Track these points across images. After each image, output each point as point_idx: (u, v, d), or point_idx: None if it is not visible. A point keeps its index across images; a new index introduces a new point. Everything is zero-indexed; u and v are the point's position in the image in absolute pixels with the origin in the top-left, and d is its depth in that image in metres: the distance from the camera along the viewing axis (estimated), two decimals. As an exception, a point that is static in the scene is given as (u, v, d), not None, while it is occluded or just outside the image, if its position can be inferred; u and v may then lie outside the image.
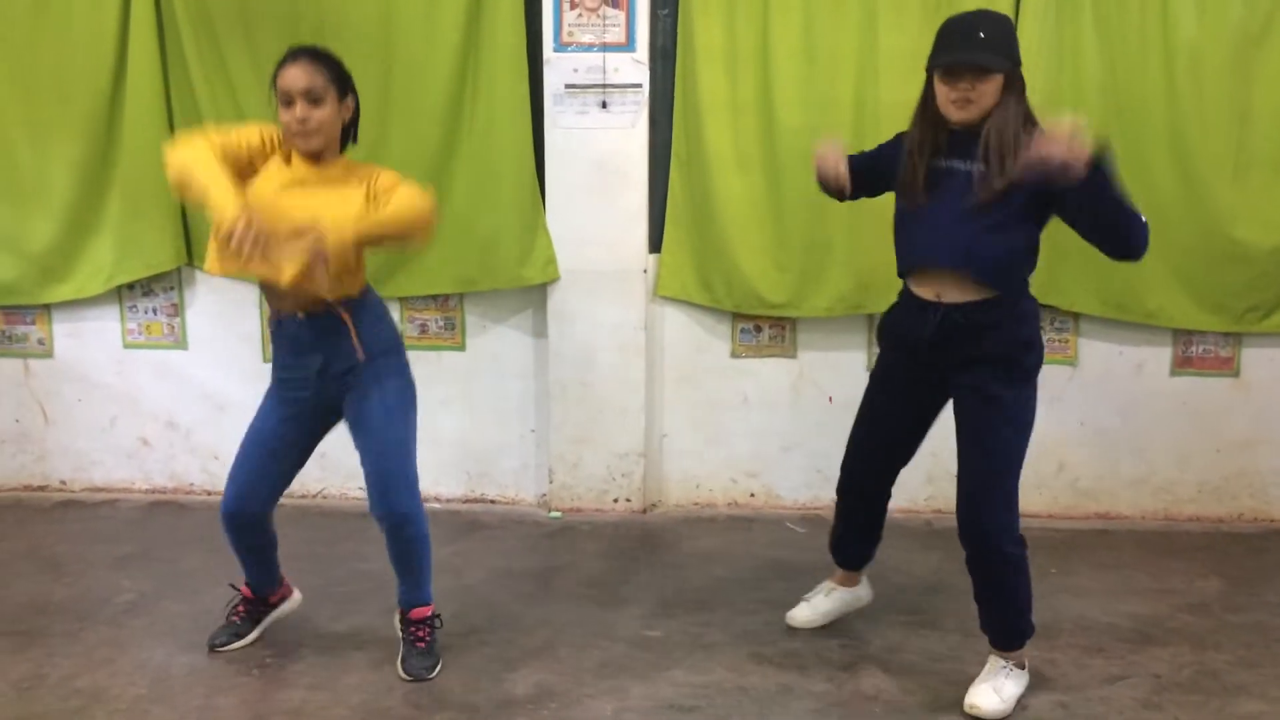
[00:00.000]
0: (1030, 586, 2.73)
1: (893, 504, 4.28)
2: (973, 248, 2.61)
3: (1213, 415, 4.19)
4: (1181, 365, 4.17)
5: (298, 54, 2.67)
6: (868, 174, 2.89)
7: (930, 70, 2.65)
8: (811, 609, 3.24)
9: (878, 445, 3.00)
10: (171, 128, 4.10)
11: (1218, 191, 3.91)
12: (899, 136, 2.84)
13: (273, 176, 2.70)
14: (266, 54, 3.96)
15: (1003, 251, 2.62)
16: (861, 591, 3.28)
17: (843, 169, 2.78)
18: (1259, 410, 4.17)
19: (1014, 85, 2.59)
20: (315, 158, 2.71)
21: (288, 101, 2.64)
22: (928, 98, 2.68)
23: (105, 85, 4.06)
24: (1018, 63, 2.61)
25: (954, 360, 2.70)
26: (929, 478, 4.24)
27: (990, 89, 2.55)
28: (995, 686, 2.73)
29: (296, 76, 2.63)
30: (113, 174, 4.15)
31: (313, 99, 2.63)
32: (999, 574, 2.70)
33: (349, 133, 2.81)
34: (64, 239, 4.20)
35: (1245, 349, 4.14)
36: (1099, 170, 2.42)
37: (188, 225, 4.22)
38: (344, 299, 2.74)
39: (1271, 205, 3.92)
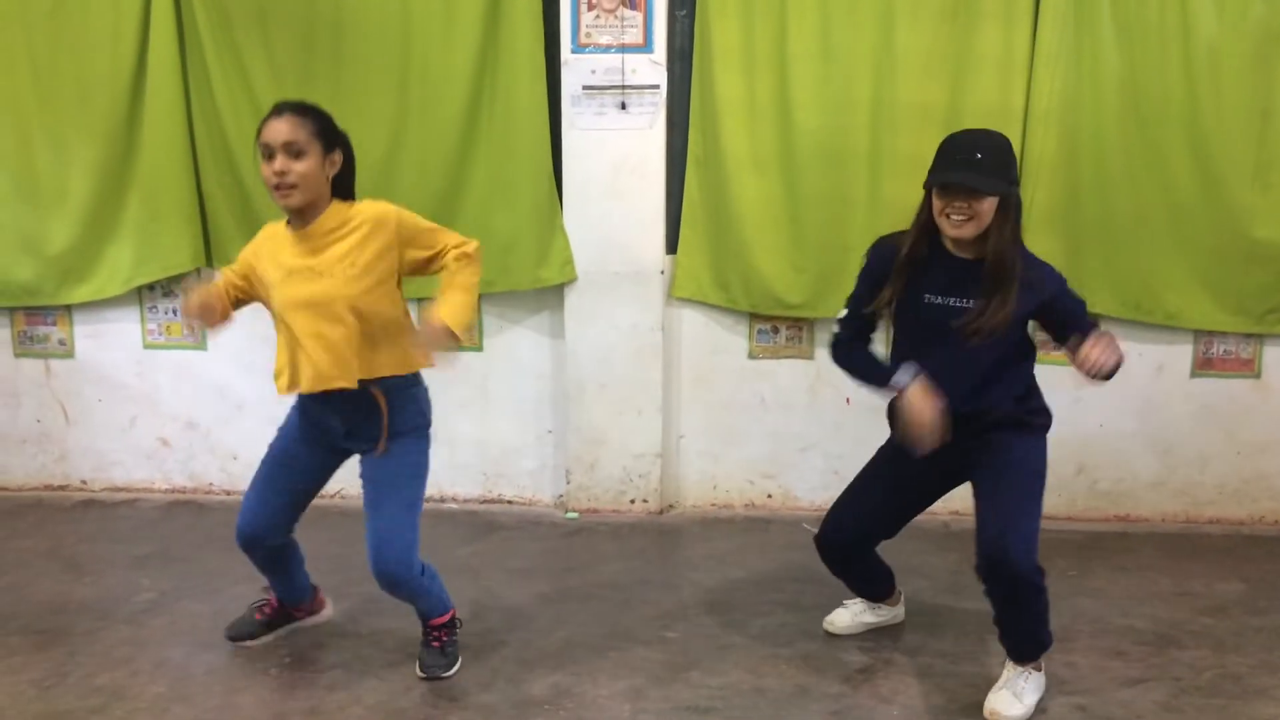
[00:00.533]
0: (1048, 603, 2.71)
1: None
2: (984, 390, 2.70)
3: (1233, 417, 4.16)
4: (1202, 367, 4.14)
5: (282, 107, 2.60)
6: (871, 318, 2.91)
7: (928, 186, 2.65)
8: (851, 616, 3.23)
9: (884, 510, 3.00)
10: (191, 131, 4.13)
11: (1238, 192, 3.88)
12: (874, 254, 2.84)
13: (274, 262, 2.69)
14: (285, 58, 4.01)
15: (1018, 384, 2.76)
16: (900, 611, 3.29)
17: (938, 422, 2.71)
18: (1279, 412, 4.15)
19: (1010, 207, 2.61)
20: (302, 217, 2.64)
21: (268, 155, 2.57)
22: (924, 210, 2.69)
23: (125, 88, 4.09)
24: (1014, 183, 2.63)
25: (967, 437, 2.74)
26: (947, 479, 4.23)
27: (986, 208, 2.57)
28: (1015, 692, 2.71)
29: (278, 129, 2.56)
30: (132, 176, 4.18)
31: (294, 152, 2.55)
32: (1024, 602, 2.68)
33: (341, 187, 2.70)
34: (83, 241, 4.24)
35: (1267, 350, 4.11)
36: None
37: (207, 227, 4.24)
38: (381, 380, 2.71)
39: None
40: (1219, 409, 4.15)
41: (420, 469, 2.81)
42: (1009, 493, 2.68)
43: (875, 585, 3.17)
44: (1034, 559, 2.61)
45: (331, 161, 2.64)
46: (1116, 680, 2.92)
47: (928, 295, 2.70)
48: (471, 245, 2.73)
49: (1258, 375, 4.13)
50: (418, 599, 2.87)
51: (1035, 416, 2.78)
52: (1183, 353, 4.12)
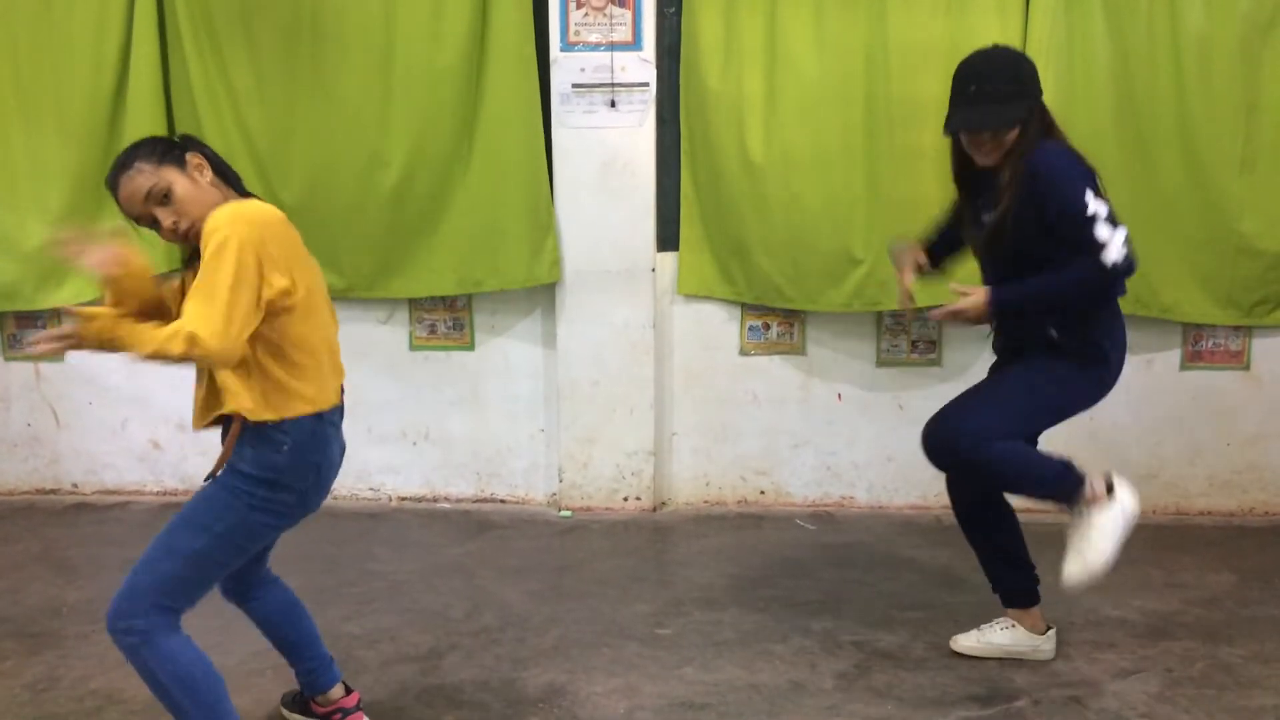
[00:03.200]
0: (1026, 456, 2.72)
1: (903, 500, 4.33)
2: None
3: (1223, 409, 4.17)
4: (1191, 359, 4.16)
5: (111, 179, 2.22)
6: (943, 239, 2.98)
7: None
8: (979, 638, 3.00)
9: None
10: (172, 133, 4.11)
11: (1226, 184, 3.90)
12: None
13: None
14: (268, 58, 3.99)
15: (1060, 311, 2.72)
16: (1043, 644, 2.96)
17: (908, 279, 2.90)
18: (1270, 404, 4.16)
19: (1030, 119, 2.61)
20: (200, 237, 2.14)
21: (150, 222, 2.22)
22: (955, 140, 2.77)
23: (107, 91, 4.07)
24: (1021, 95, 2.61)
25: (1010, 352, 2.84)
26: (939, 474, 4.23)
27: (1003, 134, 2.60)
28: (1080, 548, 2.71)
29: (130, 196, 2.19)
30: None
31: (159, 198, 2.18)
32: (985, 473, 2.71)
33: (228, 176, 2.31)
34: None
35: (1255, 342, 4.13)
36: (999, 306, 2.67)
37: None
38: (240, 413, 2.20)
39: (1277, 198, 3.90)
40: (1209, 401, 4.17)
41: (209, 512, 2.21)
42: (982, 390, 2.77)
43: (1017, 561, 2.94)
44: (966, 430, 2.66)
45: (194, 164, 2.23)
46: (1109, 671, 2.93)
47: (983, 213, 2.73)
48: (189, 332, 2.01)
49: (1247, 367, 4.15)
50: (143, 671, 2.23)
51: (1071, 342, 2.70)
52: (1172, 346, 4.14)
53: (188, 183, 2.21)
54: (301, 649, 2.59)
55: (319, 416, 2.26)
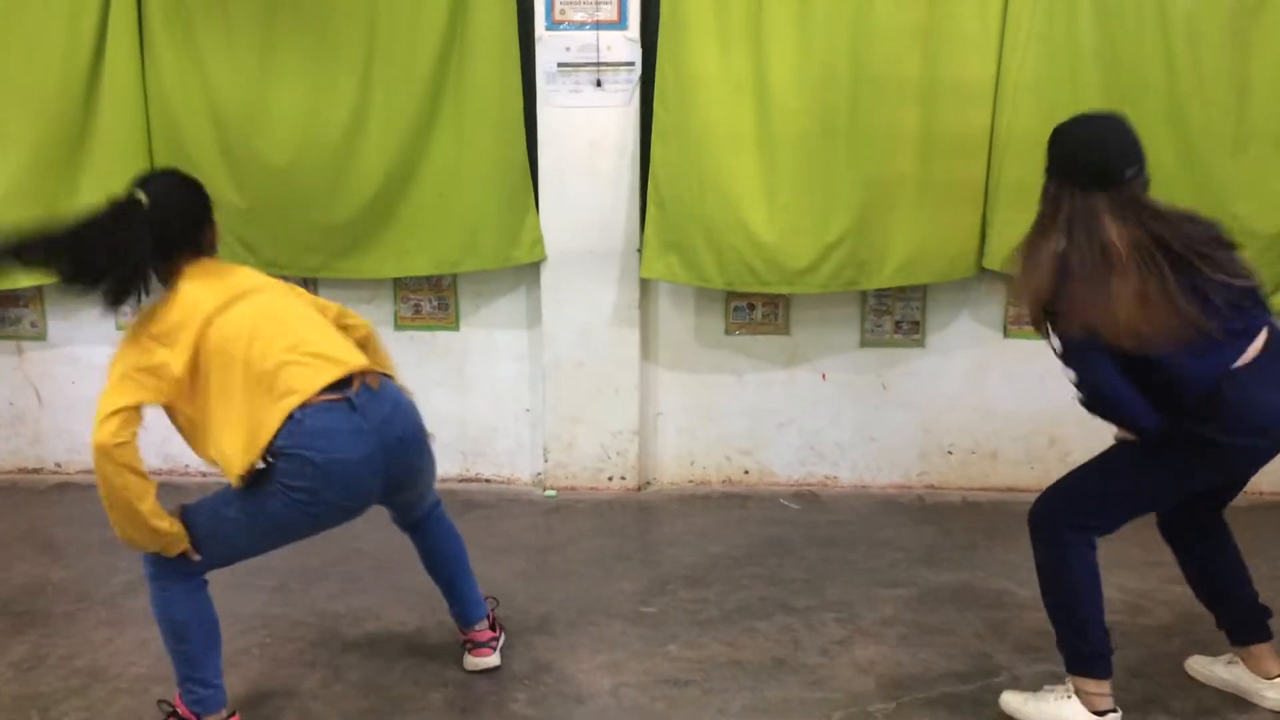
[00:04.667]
0: (1079, 599, 2.54)
1: (886, 480, 4.35)
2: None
3: (1203, 389, 4.20)
4: (1172, 340, 4.18)
5: None
6: None
7: None
8: (1205, 665, 2.83)
9: None
10: (147, 114, 4.06)
11: (1217, 167, 3.89)
12: None
13: None
14: (243, 36, 3.96)
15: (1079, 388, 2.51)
16: (1270, 691, 2.67)
17: None
18: (1249, 384, 4.19)
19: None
20: None
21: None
22: None
23: (81, 71, 4.00)
24: (1049, 173, 2.52)
25: None
26: (921, 454, 4.28)
27: None
28: (1035, 695, 2.63)
29: None
30: (86, 159, 4.10)
31: None
32: (1038, 558, 2.59)
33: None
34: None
35: (1235, 323, 4.16)
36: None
37: None
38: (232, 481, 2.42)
39: (1272, 180, 3.90)
40: (1189, 381, 4.19)
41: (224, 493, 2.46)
42: (1084, 467, 2.63)
43: (1228, 594, 2.73)
44: (1047, 506, 2.57)
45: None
46: (1088, 648, 2.96)
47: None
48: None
49: (1227, 348, 4.18)
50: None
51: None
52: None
53: None
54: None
55: (291, 418, 2.31)
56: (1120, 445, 2.59)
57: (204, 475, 4.43)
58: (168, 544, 2.38)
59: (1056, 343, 2.40)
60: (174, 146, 4.07)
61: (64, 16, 3.98)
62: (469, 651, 2.86)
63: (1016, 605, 3.24)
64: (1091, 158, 2.42)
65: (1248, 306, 2.42)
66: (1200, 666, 2.81)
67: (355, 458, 2.35)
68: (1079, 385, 2.42)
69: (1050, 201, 2.46)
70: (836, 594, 3.32)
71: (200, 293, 2.40)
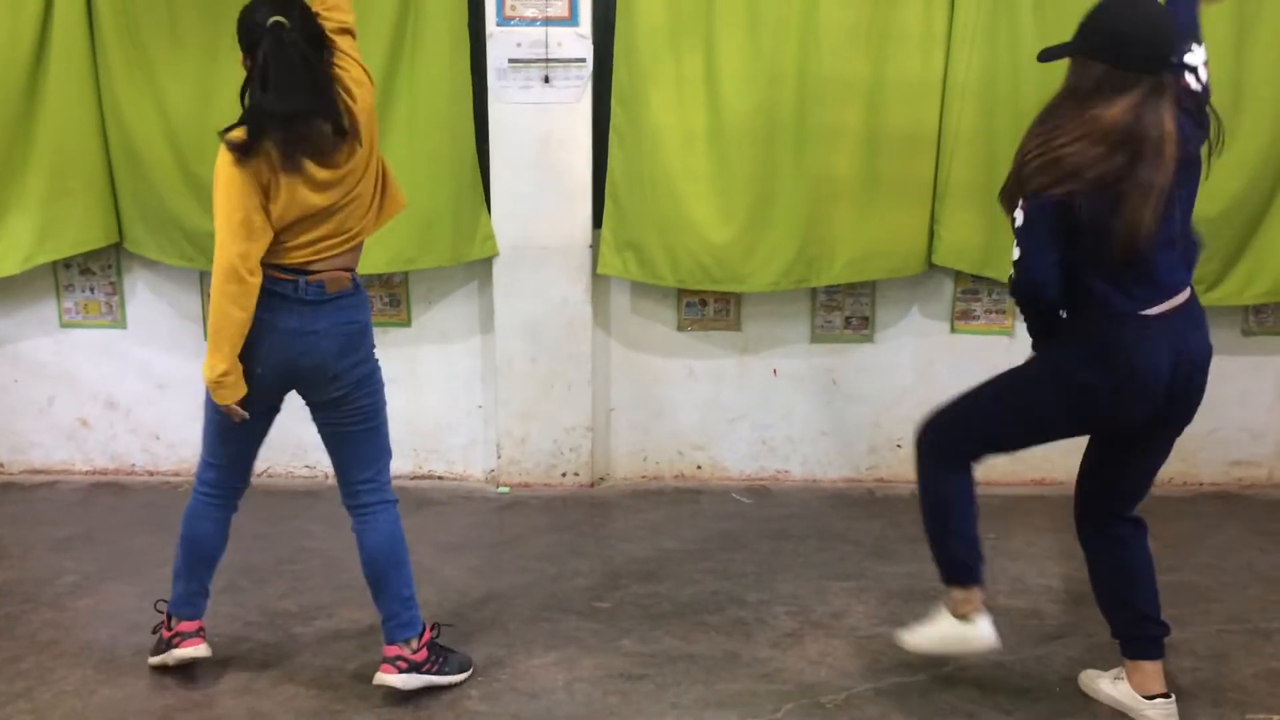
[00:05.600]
0: (951, 512, 2.62)
1: (836, 474, 4.40)
2: None
3: (1144, 383, 4.29)
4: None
5: None
6: None
7: None
8: (1092, 680, 2.79)
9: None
10: (100, 101, 4.00)
11: None
12: None
13: None
14: (189, 32, 3.89)
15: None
16: (1151, 711, 2.60)
17: None
18: (1188, 378, 4.29)
19: (1067, 77, 2.46)
20: None
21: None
22: None
23: (23, 61, 3.92)
24: (1071, 52, 2.46)
25: None
26: (871, 447, 4.33)
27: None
28: (927, 621, 2.71)
29: None
30: (29, 153, 4.01)
31: None
32: (918, 473, 2.66)
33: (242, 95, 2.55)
34: None
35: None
36: None
37: (118, 204, 4.12)
38: None
39: (1214, 180, 3.98)
40: (1131, 375, 4.28)
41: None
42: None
43: (1122, 600, 2.67)
44: (929, 427, 2.62)
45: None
46: (1033, 637, 3.03)
47: None
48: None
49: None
50: None
51: (1056, 358, 2.51)
52: (1096, 321, 4.24)
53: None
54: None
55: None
56: (1002, 375, 2.62)
57: (150, 474, 4.37)
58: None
59: (1019, 215, 2.36)
60: (125, 144, 4.01)
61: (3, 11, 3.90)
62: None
63: (964, 596, 3.29)
64: (1146, 35, 2.32)
65: (1181, 264, 2.46)
66: (1088, 681, 2.78)
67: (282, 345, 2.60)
68: (1015, 264, 2.40)
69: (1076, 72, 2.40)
70: (788, 587, 3.36)
71: None
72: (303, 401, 2.69)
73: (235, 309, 2.44)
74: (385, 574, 2.71)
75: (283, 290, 2.53)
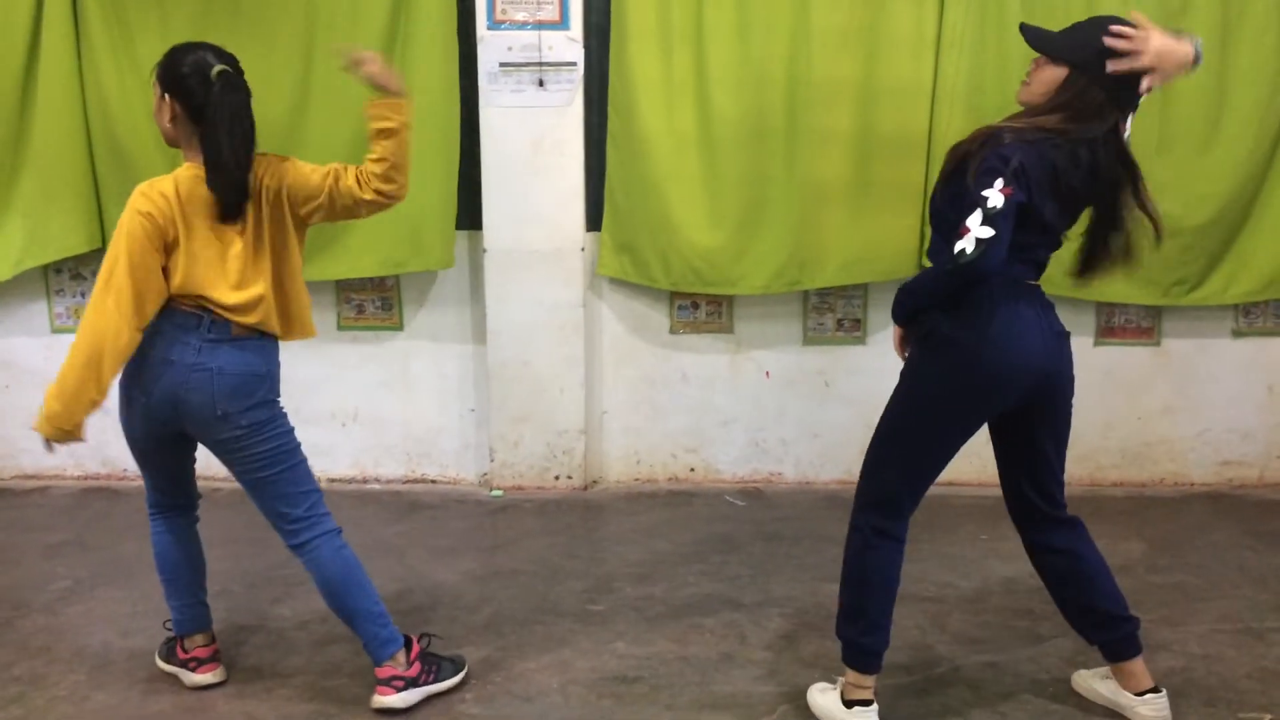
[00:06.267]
0: (866, 584, 2.51)
1: (829, 476, 4.40)
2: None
3: (1134, 384, 4.32)
4: (1104, 335, 4.30)
5: None
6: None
7: None
8: (1086, 680, 2.77)
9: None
10: (85, 108, 3.99)
11: (1143, 166, 3.98)
12: None
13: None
14: (179, 29, 3.89)
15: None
16: (1143, 708, 2.59)
17: None
18: (1179, 378, 4.32)
19: (1065, 89, 2.38)
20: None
21: None
22: None
23: (16, 66, 3.93)
24: (1078, 65, 2.35)
25: None
26: (863, 449, 4.27)
27: (1042, 77, 2.40)
28: (821, 688, 2.68)
29: None
30: (22, 157, 4.02)
31: None
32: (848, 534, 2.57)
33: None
34: None
35: (1166, 320, 4.28)
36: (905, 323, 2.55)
37: (101, 208, 4.11)
38: None
39: (1194, 180, 4.02)
40: (1121, 376, 4.31)
41: None
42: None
43: (1078, 603, 2.64)
44: (861, 489, 2.55)
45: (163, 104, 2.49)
46: (1025, 638, 3.04)
47: None
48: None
49: (1157, 343, 4.30)
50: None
51: (929, 331, 2.46)
52: (1086, 322, 4.26)
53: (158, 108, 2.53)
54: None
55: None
56: (886, 411, 2.57)
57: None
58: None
59: (1000, 198, 2.28)
60: (113, 148, 4.01)
61: None
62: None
63: (957, 598, 3.30)
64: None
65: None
66: (1082, 681, 2.76)
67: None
68: (983, 244, 2.27)
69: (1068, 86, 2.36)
70: (782, 589, 3.36)
71: None
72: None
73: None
74: (347, 600, 2.64)
75: (185, 323, 2.48)
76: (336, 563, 2.63)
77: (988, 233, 2.27)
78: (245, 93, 2.52)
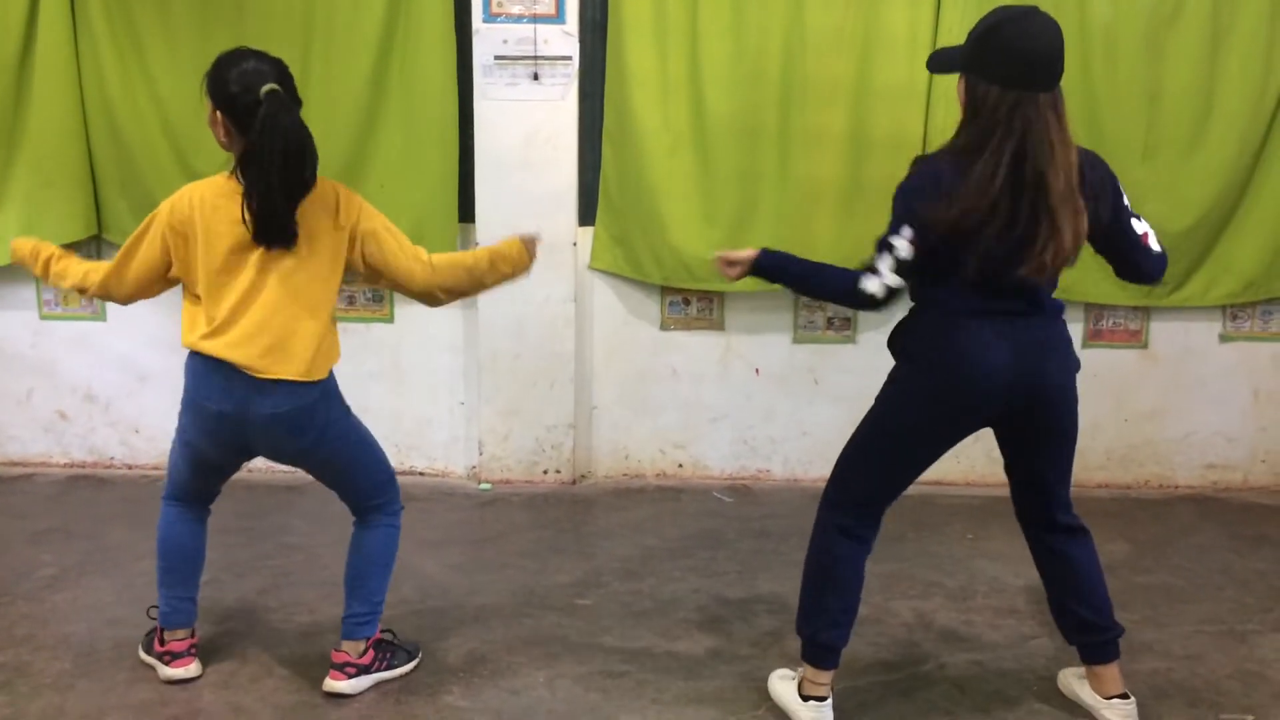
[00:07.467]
0: (827, 582, 2.57)
1: (818, 473, 4.40)
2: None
3: (1122, 386, 4.34)
4: (1093, 338, 4.32)
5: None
6: None
7: None
8: (1067, 679, 2.77)
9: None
10: (82, 95, 3.98)
11: (1129, 170, 4.02)
12: None
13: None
14: (182, 27, 3.89)
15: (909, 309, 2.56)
16: (1108, 713, 2.59)
17: None
18: (1165, 381, 4.34)
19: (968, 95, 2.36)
20: None
21: None
22: None
23: (12, 54, 3.92)
24: (964, 66, 2.37)
25: None
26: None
27: (960, 95, 2.38)
28: (781, 674, 2.73)
29: None
30: (18, 143, 4.02)
31: None
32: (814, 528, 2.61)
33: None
34: None
35: (1153, 322, 4.30)
36: (759, 265, 2.61)
37: (98, 196, 4.10)
38: None
39: (1180, 183, 4.06)
40: (1108, 378, 4.33)
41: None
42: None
43: (1066, 603, 2.63)
44: (828, 494, 2.58)
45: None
46: (1011, 636, 3.05)
47: None
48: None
49: (1145, 346, 4.32)
50: None
51: (896, 351, 2.51)
52: (1074, 325, 4.28)
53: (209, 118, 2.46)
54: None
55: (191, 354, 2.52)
56: (864, 418, 2.58)
57: (128, 468, 4.35)
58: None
59: (885, 260, 2.35)
60: (113, 134, 4.00)
61: None
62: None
63: (943, 595, 3.32)
64: (1031, 49, 2.28)
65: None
66: (1066, 680, 2.77)
67: (215, 413, 2.56)
68: (869, 282, 2.35)
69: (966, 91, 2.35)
70: (769, 586, 3.37)
71: None
72: None
73: None
74: (368, 575, 2.71)
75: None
76: (385, 541, 2.76)
77: (897, 282, 2.33)
78: (295, 112, 2.41)
